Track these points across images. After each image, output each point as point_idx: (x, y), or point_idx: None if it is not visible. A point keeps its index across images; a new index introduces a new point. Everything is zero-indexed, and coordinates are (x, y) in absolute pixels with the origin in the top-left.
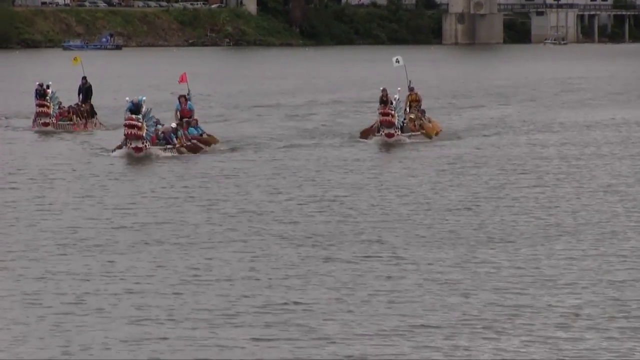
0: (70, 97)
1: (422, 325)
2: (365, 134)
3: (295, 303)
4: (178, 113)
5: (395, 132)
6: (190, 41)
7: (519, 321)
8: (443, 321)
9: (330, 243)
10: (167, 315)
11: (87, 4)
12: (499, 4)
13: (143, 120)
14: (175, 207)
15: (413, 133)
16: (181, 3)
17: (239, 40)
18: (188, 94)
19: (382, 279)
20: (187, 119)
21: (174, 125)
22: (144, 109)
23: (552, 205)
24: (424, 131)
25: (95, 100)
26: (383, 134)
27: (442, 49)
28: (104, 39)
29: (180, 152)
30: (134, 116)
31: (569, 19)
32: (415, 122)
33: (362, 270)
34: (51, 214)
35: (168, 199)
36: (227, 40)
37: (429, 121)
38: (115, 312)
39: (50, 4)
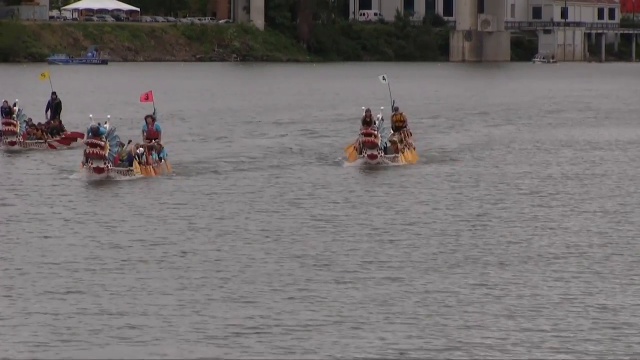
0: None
1: (404, 349)
2: (351, 155)
3: (279, 325)
4: (145, 133)
5: (379, 153)
6: (197, 56)
7: (510, 344)
8: (428, 345)
9: (313, 264)
10: (140, 335)
11: (94, 18)
12: (507, 22)
13: (106, 139)
14: (148, 227)
15: (397, 155)
16: (189, 18)
17: (246, 55)
18: (154, 114)
19: (370, 300)
20: (150, 144)
21: (140, 150)
22: (107, 128)
23: (547, 227)
24: (404, 155)
25: (63, 116)
26: (365, 155)
27: (448, 66)
28: (89, 54)
29: (142, 174)
30: (101, 134)
31: (576, 37)
32: (398, 145)
33: (348, 291)
34: (15, 234)
35: (135, 218)
36: (235, 55)
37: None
38: (92, 333)
39: (58, 18)
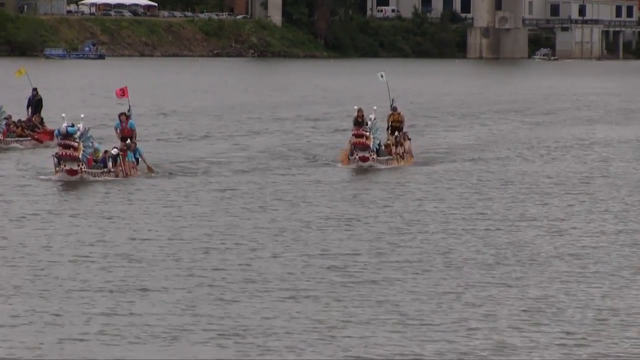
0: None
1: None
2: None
3: (278, 325)
4: (118, 131)
5: (370, 155)
6: (215, 52)
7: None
8: (428, 346)
9: (312, 264)
10: (118, 339)
11: (112, 13)
12: (524, 19)
13: (80, 140)
14: (137, 227)
15: (390, 157)
16: (206, 13)
17: (264, 51)
18: (129, 111)
19: (370, 301)
20: (125, 145)
21: (114, 151)
22: (80, 128)
23: (550, 226)
24: (400, 156)
25: (44, 113)
26: (357, 157)
27: (465, 63)
28: (86, 48)
29: (117, 176)
30: (72, 135)
31: (594, 35)
32: (393, 149)
33: (348, 291)
34: None
35: (108, 223)
36: (252, 51)
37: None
38: (82, 333)
39: (76, 12)
